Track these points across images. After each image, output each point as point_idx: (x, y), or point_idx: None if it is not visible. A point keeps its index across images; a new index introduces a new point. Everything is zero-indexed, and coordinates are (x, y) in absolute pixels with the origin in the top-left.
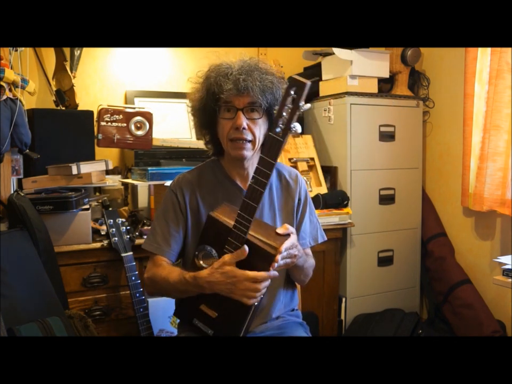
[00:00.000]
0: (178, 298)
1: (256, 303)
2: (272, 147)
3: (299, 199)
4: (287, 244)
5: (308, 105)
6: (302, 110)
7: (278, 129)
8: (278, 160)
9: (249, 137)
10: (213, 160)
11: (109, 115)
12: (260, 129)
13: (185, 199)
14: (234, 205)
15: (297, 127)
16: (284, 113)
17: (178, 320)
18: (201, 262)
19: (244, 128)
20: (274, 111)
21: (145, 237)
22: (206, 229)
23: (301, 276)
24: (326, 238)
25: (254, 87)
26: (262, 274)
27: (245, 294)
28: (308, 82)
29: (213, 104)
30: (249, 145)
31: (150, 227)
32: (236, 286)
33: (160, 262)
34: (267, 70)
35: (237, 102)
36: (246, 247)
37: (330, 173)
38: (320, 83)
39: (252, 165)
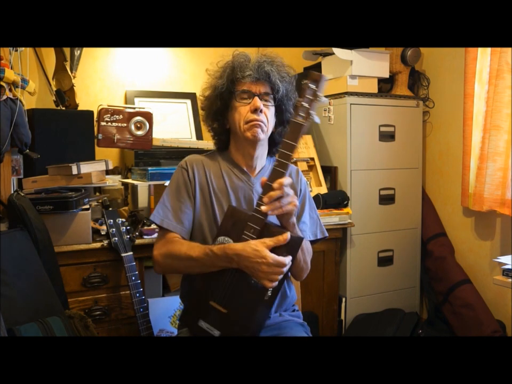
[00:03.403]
0: (187, 299)
1: (269, 294)
2: (294, 131)
3: (299, 193)
4: (275, 194)
5: (325, 99)
6: (320, 101)
7: (299, 117)
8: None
9: (264, 120)
10: (220, 151)
11: (109, 115)
12: (271, 116)
13: (195, 177)
14: (241, 189)
15: (315, 115)
16: (304, 103)
17: (178, 321)
18: None
19: (260, 111)
20: (285, 106)
21: (145, 237)
22: (224, 220)
23: (300, 261)
24: (327, 234)
25: (275, 74)
26: (286, 259)
27: (268, 277)
28: (324, 76)
29: (231, 89)
30: (264, 126)
31: (158, 202)
32: (262, 267)
33: (173, 238)
34: (283, 63)
35: (254, 88)
36: (288, 234)
37: (330, 173)
38: None
39: (260, 154)
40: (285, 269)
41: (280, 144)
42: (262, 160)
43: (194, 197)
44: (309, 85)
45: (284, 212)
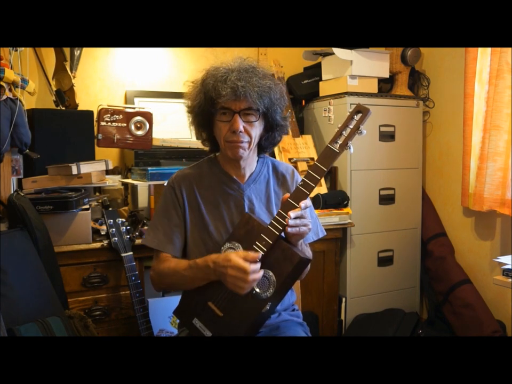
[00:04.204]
0: (186, 293)
1: (268, 307)
2: (327, 157)
3: None
4: (297, 212)
5: (365, 131)
6: (360, 134)
7: (335, 144)
8: (276, 158)
9: (246, 139)
10: (210, 158)
11: (109, 115)
12: (256, 131)
13: (183, 195)
14: (232, 197)
15: (351, 146)
16: (344, 132)
17: (178, 320)
18: None
19: (240, 132)
20: (271, 115)
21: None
22: (238, 226)
23: None
24: (325, 233)
25: (252, 93)
26: (248, 266)
27: (234, 283)
28: (370, 110)
29: (210, 108)
30: (245, 145)
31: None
32: (227, 272)
33: (165, 258)
34: (265, 74)
35: (234, 106)
36: (260, 255)
37: (330, 173)
38: (320, 83)
39: (247, 164)
40: (252, 276)
41: (311, 167)
42: (250, 166)
43: (184, 214)
44: (354, 116)
45: (299, 233)
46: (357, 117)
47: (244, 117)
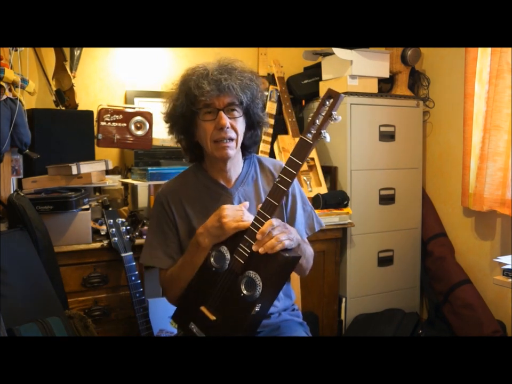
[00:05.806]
0: (182, 298)
1: (257, 309)
2: (301, 149)
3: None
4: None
5: (340, 117)
6: (334, 120)
7: (309, 134)
8: (261, 155)
9: (233, 135)
10: (195, 165)
11: (109, 115)
12: (241, 127)
13: (172, 209)
14: (221, 203)
15: (326, 135)
16: (317, 121)
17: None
18: (212, 262)
19: (227, 128)
20: (253, 110)
21: (145, 237)
22: None
23: (302, 261)
24: (323, 225)
25: (235, 86)
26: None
27: (235, 219)
28: (342, 94)
29: (192, 107)
30: (232, 144)
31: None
32: (223, 218)
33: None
34: (244, 68)
35: (217, 102)
36: (247, 203)
37: (330, 173)
38: (320, 83)
39: (233, 165)
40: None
41: (287, 161)
42: (236, 168)
43: (176, 227)
44: (325, 101)
45: (279, 249)
46: (328, 103)
47: (228, 113)
